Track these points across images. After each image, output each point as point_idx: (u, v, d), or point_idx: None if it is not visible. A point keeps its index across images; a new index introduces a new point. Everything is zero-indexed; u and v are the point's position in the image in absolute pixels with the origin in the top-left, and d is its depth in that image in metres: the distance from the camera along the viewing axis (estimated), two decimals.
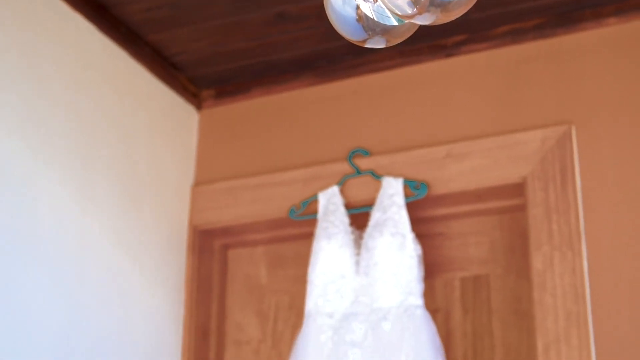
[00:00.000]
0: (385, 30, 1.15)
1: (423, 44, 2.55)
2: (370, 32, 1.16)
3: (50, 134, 2.19)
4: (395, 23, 1.15)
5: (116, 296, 2.34)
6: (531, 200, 2.29)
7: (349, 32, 1.16)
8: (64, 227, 2.19)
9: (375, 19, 1.14)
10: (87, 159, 2.31)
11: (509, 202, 2.46)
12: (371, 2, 1.13)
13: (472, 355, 2.42)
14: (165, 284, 2.57)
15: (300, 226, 2.65)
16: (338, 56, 2.65)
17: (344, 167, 2.58)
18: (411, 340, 2.19)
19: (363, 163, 2.56)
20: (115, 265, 2.36)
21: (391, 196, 2.39)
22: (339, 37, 1.20)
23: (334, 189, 2.53)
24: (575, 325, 2.11)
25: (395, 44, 1.19)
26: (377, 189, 2.46)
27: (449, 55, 2.54)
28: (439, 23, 1.04)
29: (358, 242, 2.44)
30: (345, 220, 2.44)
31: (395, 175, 2.46)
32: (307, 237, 2.50)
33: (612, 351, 2.08)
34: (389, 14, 1.12)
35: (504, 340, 2.40)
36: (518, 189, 2.36)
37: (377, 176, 2.50)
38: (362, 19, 1.14)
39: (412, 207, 2.42)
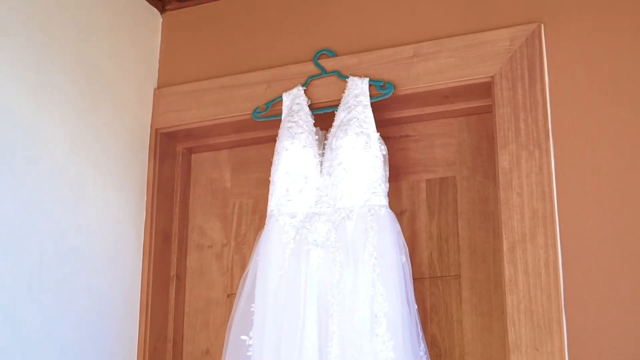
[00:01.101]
0: None
1: None
2: None
3: (0, 24, 2.09)
4: None
5: (73, 200, 2.28)
6: (499, 99, 2.24)
7: None
8: (17, 127, 2.11)
9: None
10: (42, 53, 2.23)
11: (477, 103, 2.41)
12: None
13: (438, 257, 2.40)
14: (126, 188, 2.52)
15: (264, 129, 2.60)
16: None
17: (309, 68, 2.52)
18: (375, 239, 2.16)
19: (328, 64, 2.49)
20: (73, 168, 2.30)
21: (356, 96, 2.33)
22: None
23: (299, 90, 2.46)
24: (542, 224, 2.09)
25: None
26: (342, 89, 2.40)
27: None
28: None
29: (322, 143, 2.38)
30: (310, 120, 2.38)
31: (361, 75, 2.40)
32: (272, 140, 2.44)
33: (578, 250, 2.06)
34: None
35: (470, 241, 2.37)
36: (486, 88, 2.31)
37: (342, 76, 2.43)
38: None
39: (378, 108, 2.37)
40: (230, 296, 2.58)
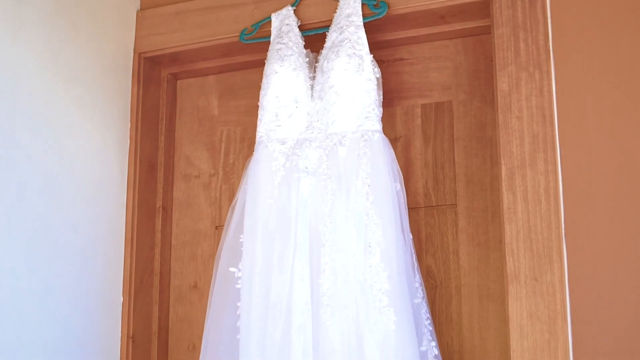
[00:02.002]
0: None
1: None
2: None
3: None
4: None
5: (53, 130, 2.16)
6: (497, 18, 2.12)
7: None
8: None
9: None
10: None
11: (474, 23, 2.29)
12: None
13: (433, 186, 2.31)
14: (108, 116, 2.40)
15: (252, 52, 2.48)
16: None
17: None
18: (368, 166, 2.06)
19: None
20: (52, 97, 2.18)
21: (349, 16, 2.21)
22: None
23: (288, 10, 2.34)
24: (542, 149, 1.99)
25: None
26: (334, 9, 2.28)
27: None
28: None
29: (313, 66, 2.27)
30: (300, 42, 2.27)
31: None
32: (260, 64, 2.32)
33: (580, 176, 1.97)
34: None
35: (466, 169, 2.28)
36: (484, 7, 2.19)
37: None
38: None
39: (372, 29, 2.25)
40: (219, 228, 2.49)
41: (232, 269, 2.14)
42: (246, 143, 2.54)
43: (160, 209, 2.54)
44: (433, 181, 2.31)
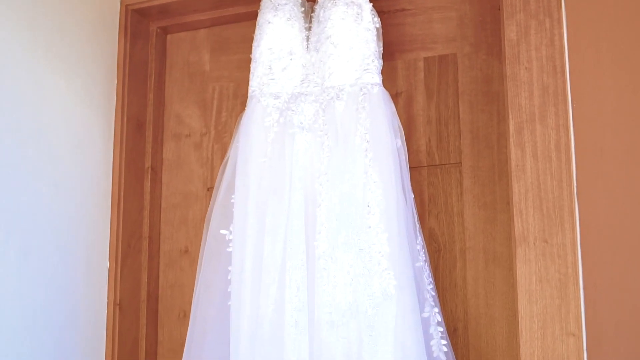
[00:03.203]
0: None
1: None
2: None
3: None
4: None
5: (36, 87, 2.03)
6: None
7: None
8: None
9: None
10: None
11: None
12: None
13: (437, 143, 2.18)
14: (94, 72, 2.27)
15: (245, 4, 2.35)
16: None
17: None
18: (367, 121, 1.93)
19: None
20: (34, 52, 2.04)
21: None
22: None
23: None
24: (553, 103, 1.85)
25: None
26: None
27: None
28: None
29: (309, 15, 2.14)
30: None
31: None
32: (254, 17, 2.19)
33: (593, 131, 1.83)
34: None
35: (472, 125, 2.15)
36: None
37: None
38: None
39: None
40: (211, 189, 2.37)
41: (223, 232, 2.02)
42: (239, 100, 2.41)
43: (149, 169, 2.41)
44: (436, 139, 2.18)
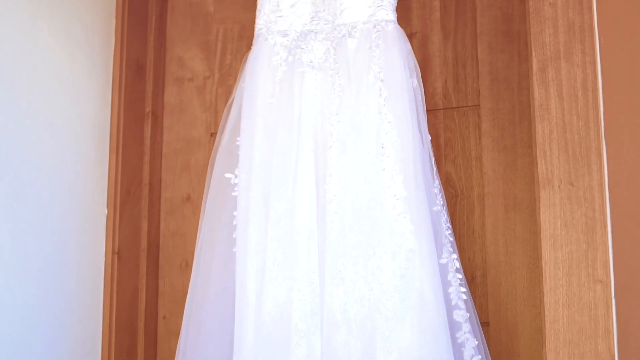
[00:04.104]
0: None
1: None
2: None
3: None
4: None
5: (29, 24, 1.91)
6: None
7: None
8: None
9: None
10: None
11: None
12: None
13: (454, 85, 2.07)
14: (91, 11, 2.14)
15: None
16: None
17: None
18: (381, 59, 1.82)
19: None
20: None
21: None
22: None
23: None
24: (579, 39, 1.74)
25: None
26: None
27: None
28: None
29: None
30: None
31: None
32: None
33: (621, 68, 1.72)
34: None
35: (491, 66, 2.04)
36: None
37: None
38: None
39: None
40: (214, 135, 2.26)
41: (227, 175, 1.92)
42: (244, 42, 2.30)
43: (149, 114, 2.30)
44: (453, 80, 2.07)
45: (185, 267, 2.24)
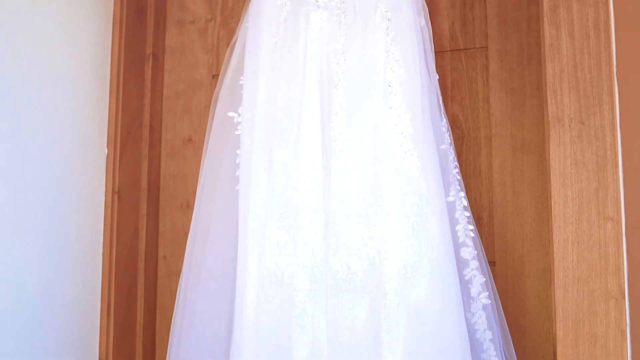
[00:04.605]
0: None
1: None
2: None
3: None
4: None
5: None
6: None
7: None
8: None
9: None
10: None
11: None
12: None
13: (461, 27, 2.03)
14: None
15: None
16: None
17: None
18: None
19: None
20: None
21: None
22: None
23: None
24: None
25: None
26: None
27: None
28: None
29: None
30: None
31: None
32: None
33: (634, 7, 1.69)
34: None
35: (499, 8, 2.01)
36: None
37: None
38: None
39: None
40: (216, 77, 2.23)
41: (230, 114, 1.88)
42: None
43: (150, 56, 2.26)
44: (460, 22, 2.03)
45: (186, 207, 2.21)
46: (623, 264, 1.60)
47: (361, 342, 1.65)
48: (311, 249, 1.70)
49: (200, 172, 1.89)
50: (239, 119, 1.86)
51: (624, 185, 1.62)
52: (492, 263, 1.90)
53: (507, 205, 1.92)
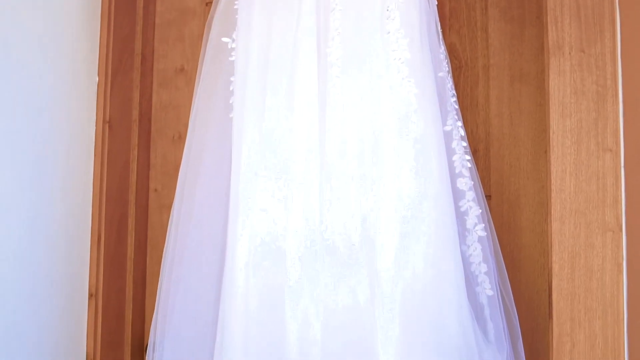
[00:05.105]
0: None
1: None
2: None
3: None
4: None
5: None
6: None
7: None
8: None
9: None
10: None
11: None
12: None
13: None
14: None
15: None
16: None
17: None
18: None
19: None
20: None
21: None
22: None
23: None
24: None
25: None
26: None
27: None
28: None
29: None
30: None
31: None
32: None
33: None
34: None
35: None
36: None
37: None
38: None
39: None
40: (209, 5, 2.17)
41: (224, 39, 1.84)
42: None
43: None
44: None
45: (178, 139, 2.18)
46: (621, 196, 1.58)
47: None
48: (307, 191, 1.68)
49: (193, 100, 1.85)
50: (233, 45, 1.82)
51: (624, 116, 1.59)
52: (487, 197, 1.88)
53: (504, 137, 1.89)
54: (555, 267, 1.61)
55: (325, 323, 1.63)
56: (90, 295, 2.01)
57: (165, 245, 1.84)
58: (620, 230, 1.58)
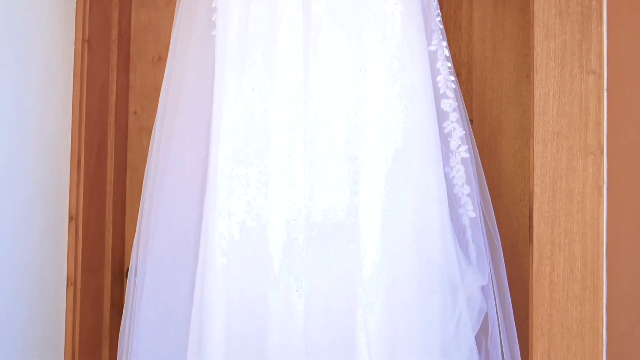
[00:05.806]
0: None
1: None
2: None
3: None
4: None
5: None
6: None
7: None
8: None
9: None
10: None
11: None
12: None
13: None
14: None
15: None
16: None
17: None
18: None
19: None
20: None
21: None
22: None
23: None
24: None
25: None
26: None
27: None
28: None
29: None
30: None
31: None
32: None
33: None
34: None
35: None
36: None
37: None
38: None
39: None
40: None
41: None
42: None
43: None
44: None
45: (158, 60, 2.15)
46: (603, 119, 1.58)
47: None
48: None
49: (174, 17, 1.82)
50: (214, 5, 1.78)
51: (608, 38, 1.59)
52: (469, 121, 1.88)
53: (487, 61, 1.89)
54: (537, 190, 1.62)
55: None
56: (71, 217, 2.00)
57: (146, 168, 1.82)
58: (602, 153, 1.58)
